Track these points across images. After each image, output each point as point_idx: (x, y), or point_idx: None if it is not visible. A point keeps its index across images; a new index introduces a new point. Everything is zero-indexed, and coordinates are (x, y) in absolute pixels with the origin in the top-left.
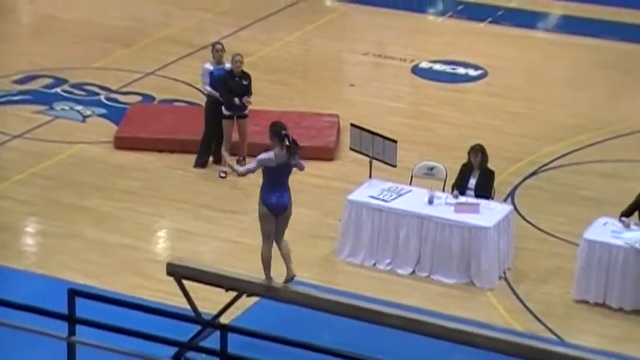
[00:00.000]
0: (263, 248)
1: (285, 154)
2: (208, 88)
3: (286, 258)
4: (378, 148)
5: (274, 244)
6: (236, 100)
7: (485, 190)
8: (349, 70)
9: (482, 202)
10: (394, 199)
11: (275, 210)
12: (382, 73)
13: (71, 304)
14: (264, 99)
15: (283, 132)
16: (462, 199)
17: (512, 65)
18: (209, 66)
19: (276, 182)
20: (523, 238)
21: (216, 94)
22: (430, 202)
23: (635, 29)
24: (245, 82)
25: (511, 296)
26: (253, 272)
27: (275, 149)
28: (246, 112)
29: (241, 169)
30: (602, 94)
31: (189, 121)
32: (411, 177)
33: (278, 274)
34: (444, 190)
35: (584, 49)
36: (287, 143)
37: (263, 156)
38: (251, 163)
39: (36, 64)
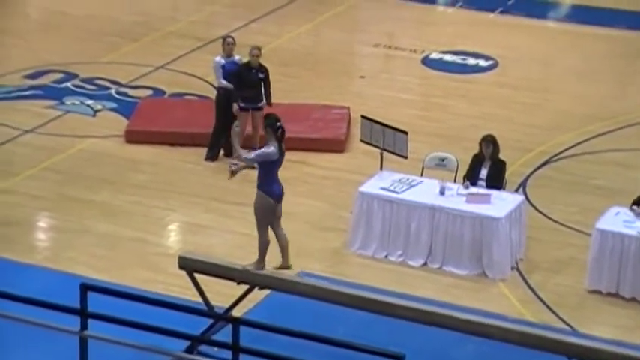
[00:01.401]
0: (264, 238)
1: (278, 145)
2: (224, 82)
3: (285, 249)
4: (388, 139)
5: (272, 234)
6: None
7: (496, 181)
8: (359, 61)
9: (494, 192)
10: (405, 190)
11: (279, 199)
12: (392, 64)
13: (83, 299)
14: (274, 91)
15: (278, 124)
16: (474, 189)
17: (522, 55)
18: (220, 59)
19: (274, 173)
20: (535, 229)
21: (231, 86)
22: (441, 193)
23: None
24: (261, 75)
25: (523, 286)
26: (265, 265)
27: (271, 142)
28: (260, 104)
29: (243, 155)
30: (614, 83)
31: (200, 115)
32: (422, 168)
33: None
34: (455, 181)
35: (595, 39)
36: (279, 135)
37: (265, 150)
38: (252, 155)
39: (46, 59)
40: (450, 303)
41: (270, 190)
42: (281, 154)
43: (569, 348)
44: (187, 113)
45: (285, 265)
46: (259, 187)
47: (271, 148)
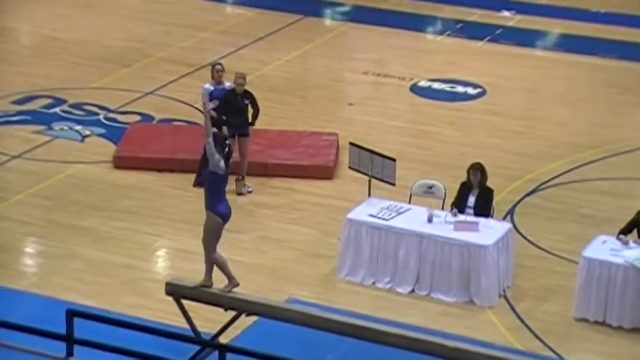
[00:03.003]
0: (217, 255)
1: (224, 163)
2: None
3: (212, 270)
4: (377, 166)
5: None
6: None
7: (484, 209)
8: (348, 88)
9: (482, 220)
10: (393, 217)
11: (227, 218)
12: (381, 91)
13: (69, 325)
14: (263, 118)
15: (227, 142)
16: (461, 217)
17: (511, 84)
18: (209, 86)
19: (221, 192)
20: (522, 256)
21: (215, 114)
22: (429, 220)
23: (634, 47)
24: (247, 101)
25: (511, 314)
26: (253, 291)
27: (220, 160)
28: (247, 131)
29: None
30: (602, 112)
31: (189, 141)
32: (410, 195)
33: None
34: (443, 208)
35: (583, 68)
36: (225, 154)
37: (218, 159)
38: (210, 139)
39: (35, 84)
40: (437, 330)
41: (218, 209)
42: (226, 173)
43: None
44: (176, 139)
45: (207, 284)
46: (208, 207)
47: (222, 162)
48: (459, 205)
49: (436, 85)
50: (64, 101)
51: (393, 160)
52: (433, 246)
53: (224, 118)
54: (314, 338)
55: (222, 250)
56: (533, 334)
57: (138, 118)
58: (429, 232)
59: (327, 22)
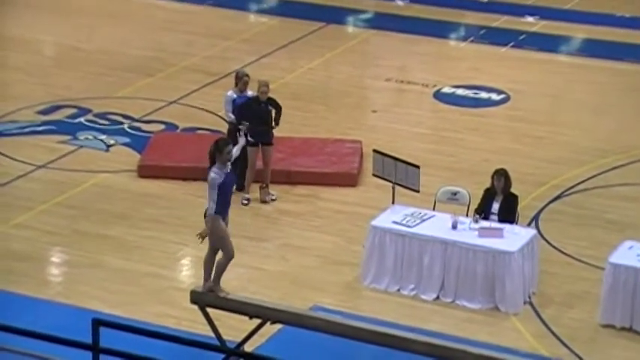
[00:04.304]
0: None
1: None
2: (232, 116)
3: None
4: (400, 173)
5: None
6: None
7: (509, 215)
8: (371, 96)
9: (506, 226)
10: (418, 224)
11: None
12: (404, 98)
13: (95, 334)
14: (286, 126)
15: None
16: (486, 223)
17: (534, 89)
18: (232, 94)
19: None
20: (548, 263)
21: (233, 118)
22: (454, 227)
23: None
24: (270, 107)
25: (536, 321)
26: (276, 299)
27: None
28: (271, 139)
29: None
30: (626, 117)
31: None
32: (434, 202)
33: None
34: (467, 214)
35: (606, 73)
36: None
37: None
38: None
39: (59, 94)
40: (462, 337)
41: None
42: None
43: None
44: (199, 148)
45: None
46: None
47: (221, 177)
48: (484, 212)
49: (459, 92)
50: (88, 111)
51: (417, 166)
52: (458, 253)
53: (247, 123)
54: (339, 346)
55: (246, 257)
56: (559, 341)
57: (162, 127)
58: (453, 239)
59: (350, 29)
